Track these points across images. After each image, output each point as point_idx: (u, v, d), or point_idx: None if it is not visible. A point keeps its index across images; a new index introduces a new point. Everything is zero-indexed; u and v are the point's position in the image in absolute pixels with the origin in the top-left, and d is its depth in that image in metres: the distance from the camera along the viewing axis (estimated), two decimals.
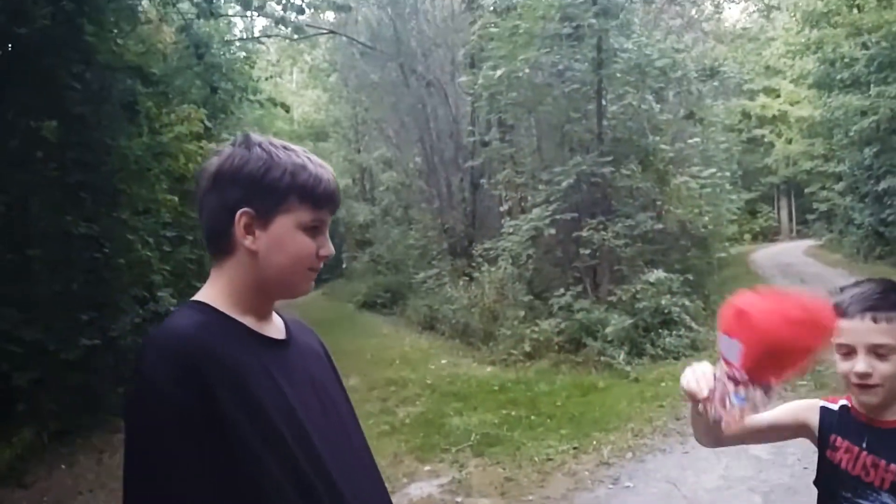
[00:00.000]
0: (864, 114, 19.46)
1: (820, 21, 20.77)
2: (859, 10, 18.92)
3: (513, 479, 5.58)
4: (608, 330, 9.66)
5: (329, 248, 1.42)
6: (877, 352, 1.54)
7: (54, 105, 7.70)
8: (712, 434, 1.67)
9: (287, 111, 13.03)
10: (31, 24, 6.87)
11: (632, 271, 11.10)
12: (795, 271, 20.04)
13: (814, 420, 1.70)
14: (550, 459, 5.96)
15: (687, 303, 10.52)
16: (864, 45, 18.65)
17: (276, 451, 1.27)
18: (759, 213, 37.13)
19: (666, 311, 10.25)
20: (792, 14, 24.69)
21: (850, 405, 1.67)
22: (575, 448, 6.20)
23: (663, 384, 8.16)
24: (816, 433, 1.69)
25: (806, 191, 32.71)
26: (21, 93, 7.60)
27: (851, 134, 20.86)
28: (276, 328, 1.46)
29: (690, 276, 11.57)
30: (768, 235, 36.62)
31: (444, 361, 11.05)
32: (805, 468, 5.31)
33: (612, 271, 11.15)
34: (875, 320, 1.54)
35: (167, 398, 1.21)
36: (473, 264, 13.38)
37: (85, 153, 8.04)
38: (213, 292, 1.39)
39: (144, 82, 8.44)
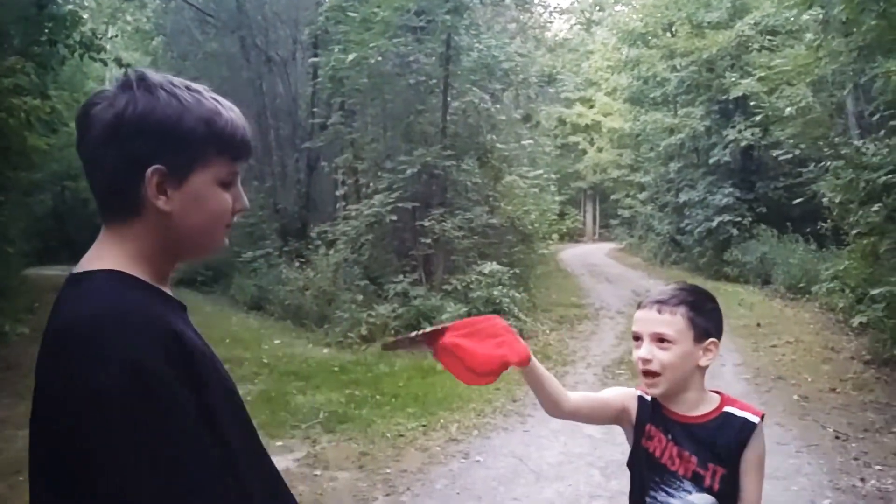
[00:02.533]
0: (671, 131, 21.31)
1: (637, 41, 22.47)
2: (673, 35, 20.66)
3: (368, 453, 5.77)
4: (444, 317, 10.03)
5: (244, 202, 1.28)
6: (659, 340, 1.72)
7: None
8: (551, 404, 1.78)
9: (122, 67, 12.25)
10: None
11: (466, 262, 11.62)
12: (600, 271, 21.57)
13: (633, 407, 1.83)
14: (402, 436, 6.20)
15: (516, 294, 11.17)
16: (675, 68, 20.40)
17: (238, 427, 1.22)
18: (567, 214, 39.42)
19: (497, 301, 10.82)
20: (611, 30, 26.48)
21: None
22: (423, 426, 6.48)
23: None
24: (634, 420, 1.81)
25: (612, 197, 35.18)
26: None
27: (658, 148, 22.75)
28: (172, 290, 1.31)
29: (517, 270, 12.27)
30: (574, 236, 38.94)
31: (277, 342, 10.98)
32: None
33: (447, 261, 11.58)
34: (660, 311, 1.73)
35: (166, 382, 1.06)
36: (310, 246, 13.35)
37: None
38: (121, 258, 1.19)
39: None
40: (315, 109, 14.51)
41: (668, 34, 21.12)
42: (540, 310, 13.03)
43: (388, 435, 6.21)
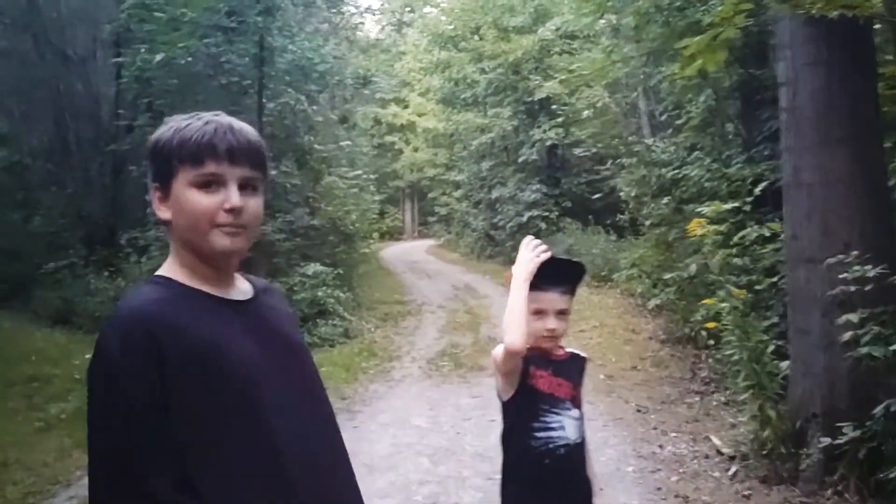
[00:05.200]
0: (482, 130, 22.14)
1: (447, 44, 23.12)
2: (480, 39, 21.46)
3: None
4: None
5: (231, 200, 1.39)
6: (561, 313, 2.29)
7: None
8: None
9: None
10: None
11: (288, 264, 11.56)
12: (421, 268, 22.07)
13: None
14: None
15: (340, 294, 11.28)
16: (483, 70, 21.21)
17: (235, 418, 1.36)
18: (386, 213, 39.83)
19: (321, 301, 10.88)
20: (422, 32, 27.05)
21: (529, 346, 2.26)
22: None
23: (324, 369, 8.67)
24: (520, 366, 2.25)
25: (429, 195, 35.95)
26: None
27: (471, 147, 23.56)
28: (240, 291, 1.52)
29: (341, 270, 12.36)
30: (394, 235, 39.42)
31: (88, 356, 10.31)
32: (458, 433, 6.24)
33: (269, 264, 11.46)
34: (562, 293, 2.29)
35: (117, 367, 1.29)
36: (120, 254, 12.71)
37: None
38: (169, 264, 1.47)
39: None
40: (120, 111, 13.80)
41: (476, 37, 21.90)
42: (364, 308, 13.20)
43: None
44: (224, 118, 1.46)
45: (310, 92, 12.87)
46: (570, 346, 2.42)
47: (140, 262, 11.81)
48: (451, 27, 22.91)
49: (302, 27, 14.08)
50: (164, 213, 1.46)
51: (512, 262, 2.38)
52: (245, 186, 1.43)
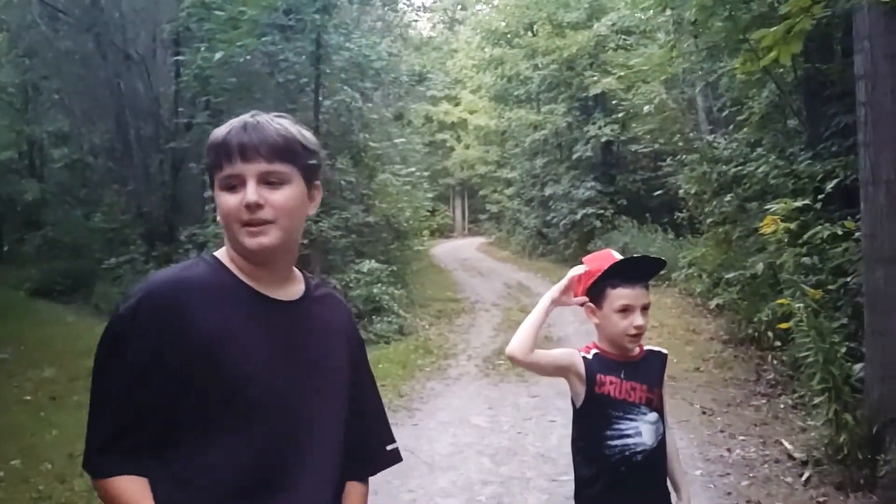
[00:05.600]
0: (535, 127, 21.98)
1: (500, 41, 23.03)
2: (534, 35, 21.32)
3: None
4: None
5: (248, 197, 1.39)
6: (644, 309, 2.25)
7: None
8: (528, 347, 2.22)
9: None
10: None
11: (343, 261, 11.61)
12: (472, 266, 22.03)
13: (579, 364, 2.26)
14: None
15: (395, 291, 11.28)
16: (537, 67, 21.06)
17: (229, 406, 1.40)
18: (437, 211, 39.89)
19: (376, 298, 10.90)
20: (474, 30, 26.99)
21: (598, 351, 2.31)
22: None
23: (381, 366, 8.68)
24: (584, 375, 2.24)
25: (479, 193, 35.86)
26: None
27: (524, 144, 23.42)
28: (287, 291, 1.52)
29: (395, 267, 12.39)
30: (444, 232, 39.45)
31: None
32: (519, 433, 6.17)
33: (325, 261, 11.53)
34: (646, 288, 2.26)
35: (121, 327, 1.40)
36: (179, 250, 12.92)
37: None
38: (224, 249, 1.52)
39: None
40: (179, 109, 14.03)
41: (530, 34, 21.76)
42: (418, 305, 13.19)
43: None
44: (255, 117, 1.45)
45: (365, 89, 12.90)
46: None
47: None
48: (504, 24, 22.80)
49: (357, 25, 14.14)
50: (215, 211, 1.51)
51: (565, 260, 2.38)
52: (266, 181, 1.41)
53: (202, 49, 11.16)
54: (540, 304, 2.27)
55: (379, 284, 11.10)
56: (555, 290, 2.27)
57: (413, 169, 15.46)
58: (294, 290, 1.54)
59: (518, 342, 2.21)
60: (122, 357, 1.38)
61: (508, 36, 22.54)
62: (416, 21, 25.90)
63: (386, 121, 14.19)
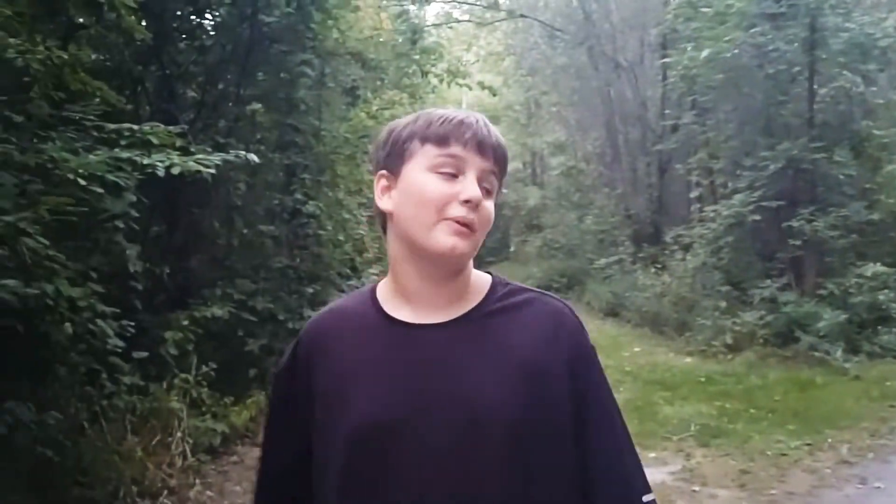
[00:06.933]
0: None
1: None
2: None
3: (748, 472, 5.44)
4: (821, 325, 9.19)
5: (469, 192, 1.20)
6: None
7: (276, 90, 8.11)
8: None
9: (494, 95, 13.04)
10: (275, 12, 7.29)
11: (841, 264, 10.52)
12: None
13: None
14: (784, 455, 5.76)
15: None
16: None
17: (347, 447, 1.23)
18: None
19: (883, 307, 9.63)
20: None
21: None
22: (808, 444, 5.96)
23: (889, 383, 7.70)
24: None
25: None
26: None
27: None
28: (446, 312, 1.26)
29: None
30: None
31: (637, 349, 10.92)
32: None
33: (820, 264, 10.60)
34: None
35: (280, 365, 1.37)
36: (665, 251, 13.10)
37: (298, 136, 8.40)
38: (386, 277, 1.34)
39: (364, 68, 8.78)
40: (666, 111, 14.21)
41: None
42: None
43: (769, 453, 5.82)
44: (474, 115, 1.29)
45: (867, 72, 11.52)
46: None
47: (685, 260, 11.99)
48: None
49: (858, 2, 12.71)
50: (386, 202, 1.26)
51: None
52: (481, 184, 1.23)
53: (688, 49, 11.12)
54: None
55: (885, 291, 9.78)
56: None
57: None
58: (458, 307, 1.28)
59: None
60: (275, 393, 1.41)
61: None
62: None
63: (893, 105, 12.45)
